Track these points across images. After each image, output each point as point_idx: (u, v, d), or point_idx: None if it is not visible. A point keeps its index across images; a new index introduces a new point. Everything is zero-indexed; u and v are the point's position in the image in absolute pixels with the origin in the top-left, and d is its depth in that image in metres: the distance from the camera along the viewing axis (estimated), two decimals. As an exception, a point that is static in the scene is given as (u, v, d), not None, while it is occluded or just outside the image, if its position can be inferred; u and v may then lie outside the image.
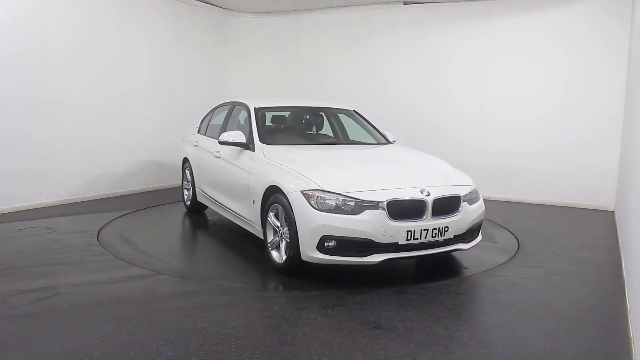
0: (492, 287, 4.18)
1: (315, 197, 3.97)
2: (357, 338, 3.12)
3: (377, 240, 3.92)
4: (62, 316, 3.37)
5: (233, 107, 6.09)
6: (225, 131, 5.58)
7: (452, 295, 4.01)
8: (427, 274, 4.50)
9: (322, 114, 6.20)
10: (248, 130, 5.33)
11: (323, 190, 3.99)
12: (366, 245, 3.93)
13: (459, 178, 4.61)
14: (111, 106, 7.56)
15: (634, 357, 2.92)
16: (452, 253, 4.64)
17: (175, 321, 3.30)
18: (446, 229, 4.13)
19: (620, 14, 7.18)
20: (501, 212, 7.15)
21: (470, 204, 4.39)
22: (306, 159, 4.70)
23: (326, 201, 3.95)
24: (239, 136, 5.16)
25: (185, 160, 6.82)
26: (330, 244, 3.93)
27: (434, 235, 4.07)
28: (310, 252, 3.98)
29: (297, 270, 4.22)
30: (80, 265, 4.47)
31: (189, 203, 6.77)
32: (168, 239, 5.69)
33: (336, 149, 5.38)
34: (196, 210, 6.69)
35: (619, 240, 5.58)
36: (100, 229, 5.68)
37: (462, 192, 4.33)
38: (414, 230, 3.98)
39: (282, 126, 5.98)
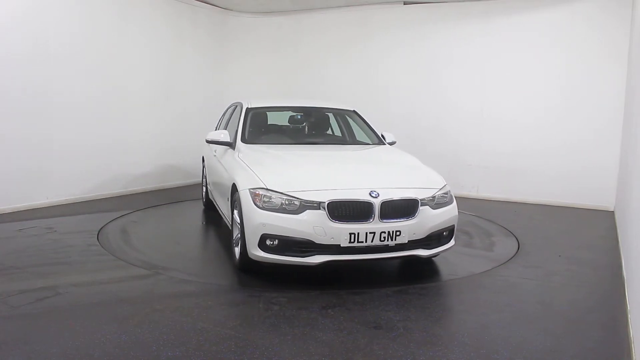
0: (492, 287, 4.17)
1: (260, 196, 3.98)
2: (357, 338, 3.12)
3: (317, 241, 3.84)
4: (62, 316, 3.37)
5: (235, 107, 6.21)
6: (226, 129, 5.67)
7: (452, 295, 4.02)
8: (428, 274, 4.49)
9: (321, 114, 6.18)
10: (235, 129, 5.42)
11: (267, 189, 3.99)
12: (306, 246, 3.88)
13: (425, 181, 4.38)
14: (111, 106, 7.56)
15: (634, 357, 2.92)
16: (440, 254, 4.45)
17: (175, 321, 3.30)
18: (398, 233, 3.94)
19: (620, 14, 7.18)
20: (501, 212, 7.15)
21: (434, 208, 4.16)
22: (271, 158, 4.68)
23: (271, 200, 3.94)
24: (223, 135, 5.28)
25: (203, 159, 7.08)
26: (272, 243, 3.93)
27: (382, 239, 3.90)
28: (253, 250, 4.00)
29: (248, 267, 4.25)
30: (80, 265, 4.47)
31: (204, 200, 6.98)
32: (168, 239, 5.69)
33: (316, 150, 5.29)
34: (211, 208, 6.72)
35: (619, 240, 5.58)
36: (100, 229, 5.67)
37: (420, 195, 4.10)
38: (358, 233, 3.85)
39: (274, 126, 6.03)
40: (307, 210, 3.87)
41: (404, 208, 4.03)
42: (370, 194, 3.94)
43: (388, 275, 4.54)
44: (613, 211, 7.25)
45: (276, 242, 3.93)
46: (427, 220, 4.10)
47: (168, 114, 8.55)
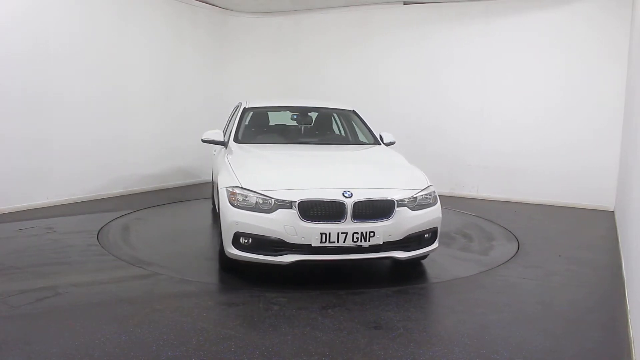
0: (491, 287, 4.17)
1: (236, 195, 4.00)
2: (357, 338, 3.12)
3: (288, 241, 3.83)
4: (62, 316, 3.37)
5: (238, 106, 6.23)
6: (226, 130, 5.70)
7: (452, 295, 4.01)
8: (427, 274, 4.49)
9: (319, 114, 6.16)
10: (231, 128, 5.47)
11: (242, 188, 4.01)
12: (278, 245, 3.88)
13: (406, 181, 4.29)
14: (111, 106, 7.56)
15: (633, 357, 2.92)
16: (427, 257, 4.46)
17: (175, 321, 3.30)
18: (372, 234, 3.87)
19: (620, 14, 7.19)
20: (501, 212, 7.15)
21: (414, 209, 4.06)
22: (255, 158, 4.70)
23: (247, 199, 3.95)
24: (217, 135, 5.33)
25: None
26: (247, 241, 3.95)
27: (355, 239, 3.83)
28: (228, 248, 4.04)
29: (227, 265, 4.28)
30: (80, 265, 4.47)
31: (212, 199, 7.01)
32: (168, 239, 5.68)
33: (306, 150, 5.25)
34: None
35: (619, 240, 5.58)
36: (100, 229, 5.67)
37: (398, 195, 4.00)
38: (329, 233, 3.80)
39: (271, 126, 6.05)
40: (279, 209, 3.86)
41: (379, 209, 3.95)
42: (343, 194, 3.89)
43: (388, 275, 4.54)
44: (613, 211, 7.25)
45: (250, 240, 3.94)
46: (405, 221, 4.00)
47: (168, 114, 8.55)
